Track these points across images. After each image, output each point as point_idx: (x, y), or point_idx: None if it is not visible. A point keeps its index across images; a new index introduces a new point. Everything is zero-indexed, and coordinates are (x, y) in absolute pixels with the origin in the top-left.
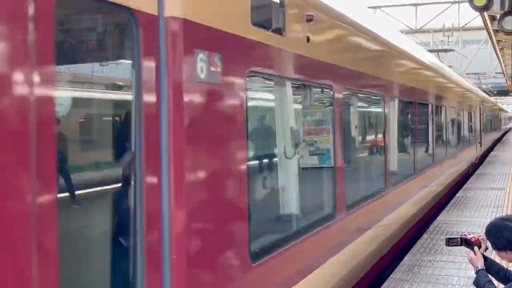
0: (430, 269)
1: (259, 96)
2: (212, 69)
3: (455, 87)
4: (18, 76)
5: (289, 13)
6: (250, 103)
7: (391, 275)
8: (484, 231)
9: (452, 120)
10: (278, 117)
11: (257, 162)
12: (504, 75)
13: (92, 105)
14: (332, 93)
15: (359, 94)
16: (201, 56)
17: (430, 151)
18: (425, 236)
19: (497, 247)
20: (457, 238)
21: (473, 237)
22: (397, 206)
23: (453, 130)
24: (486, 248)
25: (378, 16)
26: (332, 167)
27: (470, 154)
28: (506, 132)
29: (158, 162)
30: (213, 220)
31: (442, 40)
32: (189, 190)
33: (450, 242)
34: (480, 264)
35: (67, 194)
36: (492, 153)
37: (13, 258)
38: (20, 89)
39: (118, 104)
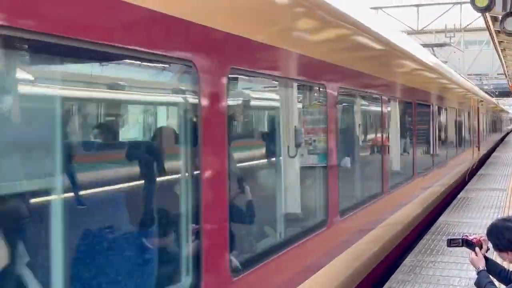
0: (431, 270)
1: None
2: None
3: (447, 84)
4: None
5: None
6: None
7: (392, 276)
8: (485, 232)
9: (443, 122)
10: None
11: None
12: (506, 76)
13: None
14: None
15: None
16: None
17: (410, 162)
18: (426, 237)
19: (499, 248)
20: (459, 239)
21: (475, 238)
22: (361, 236)
23: (444, 134)
24: (488, 249)
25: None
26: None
27: (466, 160)
28: (507, 134)
29: None
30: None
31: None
32: None
33: (451, 243)
34: (482, 265)
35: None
36: (494, 153)
37: None
38: None
39: None
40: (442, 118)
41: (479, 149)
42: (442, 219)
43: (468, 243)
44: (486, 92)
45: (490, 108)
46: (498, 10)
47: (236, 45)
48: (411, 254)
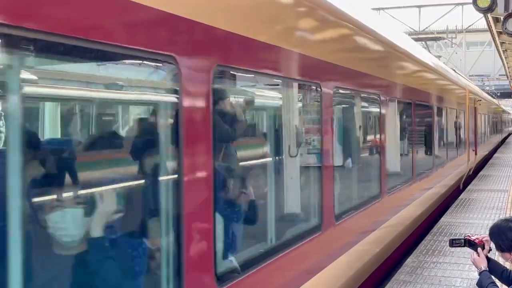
0: (433, 271)
1: None
2: None
3: (436, 79)
4: None
5: None
6: None
7: (394, 277)
8: (487, 232)
9: (429, 123)
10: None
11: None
12: (507, 77)
13: None
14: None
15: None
16: None
17: (387, 172)
18: (428, 237)
19: (501, 249)
20: (461, 239)
21: (477, 239)
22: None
23: (430, 138)
24: (490, 250)
25: None
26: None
27: (459, 167)
28: (509, 135)
29: None
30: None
31: (445, 42)
32: None
33: (453, 243)
34: (484, 266)
35: None
36: (495, 154)
37: None
38: None
39: None
40: (428, 118)
41: (476, 153)
42: (444, 219)
43: (471, 244)
44: (487, 93)
45: (489, 108)
46: (500, 11)
47: (222, 40)
48: (412, 255)
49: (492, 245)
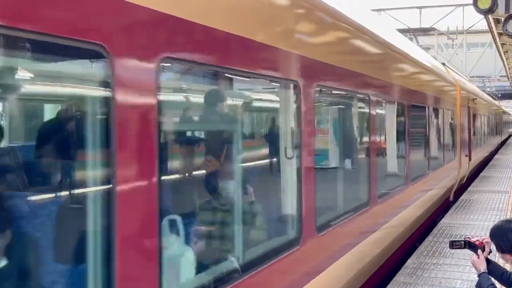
0: (433, 272)
1: None
2: None
3: (415, 72)
4: None
5: None
6: None
7: (394, 278)
8: (487, 234)
9: (405, 126)
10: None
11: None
12: (508, 78)
13: None
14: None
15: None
16: None
17: (355, 187)
18: (429, 239)
19: (502, 250)
20: (461, 241)
21: (477, 240)
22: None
23: (406, 145)
24: (490, 251)
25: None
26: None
27: (446, 178)
28: (509, 136)
29: None
30: None
31: (446, 43)
32: None
33: (454, 245)
34: (483, 267)
35: None
36: (496, 156)
37: None
38: None
39: None
40: (404, 120)
41: (470, 158)
42: (444, 221)
43: (471, 245)
44: (488, 94)
45: (487, 108)
46: (500, 12)
47: (170, 27)
48: (413, 256)
49: (492, 247)
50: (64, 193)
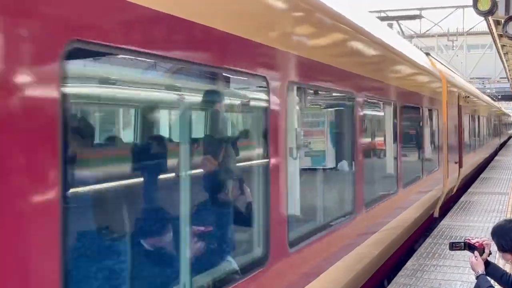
0: (433, 274)
1: None
2: None
3: (384, 60)
4: None
5: None
6: None
7: (394, 280)
8: (487, 235)
9: (371, 129)
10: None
11: None
12: (508, 80)
13: None
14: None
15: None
16: None
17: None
18: (428, 240)
19: (503, 249)
20: (461, 242)
21: (477, 242)
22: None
23: (368, 153)
24: (490, 253)
25: None
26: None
27: (426, 192)
28: (509, 138)
29: None
30: None
31: (446, 45)
32: None
33: (453, 246)
34: (481, 269)
35: None
36: (496, 157)
37: None
38: None
39: None
40: (361, 121)
41: (461, 165)
42: (444, 222)
43: (471, 247)
44: (488, 95)
45: (483, 107)
46: (500, 13)
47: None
48: (412, 258)
49: (492, 248)
50: None
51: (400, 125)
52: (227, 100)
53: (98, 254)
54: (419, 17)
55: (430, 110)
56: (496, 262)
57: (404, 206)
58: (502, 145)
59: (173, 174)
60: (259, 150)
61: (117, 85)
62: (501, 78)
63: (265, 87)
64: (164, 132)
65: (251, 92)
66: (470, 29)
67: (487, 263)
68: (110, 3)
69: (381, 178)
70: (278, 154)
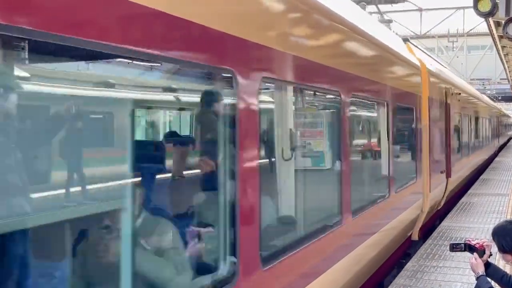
0: (433, 275)
1: None
2: None
3: (347, 43)
4: None
5: None
6: None
7: (394, 281)
8: (487, 237)
9: (329, 131)
10: None
11: None
12: (508, 81)
13: None
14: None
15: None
16: None
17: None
18: (428, 241)
19: (503, 250)
20: (461, 243)
21: (478, 243)
22: None
23: (328, 164)
24: (490, 254)
25: None
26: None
27: (401, 211)
28: (509, 140)
29: None
30: None
31: (447, 46)
32: None
33: (454, 247)
34: (481, 270)
35: None
36: (496, 158)
37: None
38: None
39: None
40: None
41: (449, 175)
42: (444, 223)
43: (471, 248)
44: (488, 97)
45: (478, 107)
46: (501, 15)
47: None
48: (412, 259)
49: (493, 249)
50: None
51: (349, 127)
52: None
53: None
54: (398, 0)
55: (402, 108)
56: (496, 263)
57: (357, 240)
58: (502, 147)
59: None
60: (221, 154)
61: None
62: (501, 79)
63: (229, 82)
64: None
65: (213, 87)
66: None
67: (487, 264)
68: None
69: (326, 206)
70: (247, 158)
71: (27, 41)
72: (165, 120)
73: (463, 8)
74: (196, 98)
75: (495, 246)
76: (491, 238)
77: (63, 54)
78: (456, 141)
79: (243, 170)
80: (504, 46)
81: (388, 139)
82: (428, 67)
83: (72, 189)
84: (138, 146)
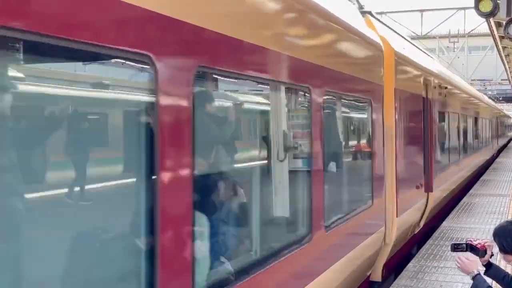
0: (434, 275)
1: None
2: None
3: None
4: None
5: None
6: None
7: (395, 281)
8: (489, 237)
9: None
10: None
11: None
12: (509, 82)
13: None
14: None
15: None
16: None
17: None
18: (429, 242)
19: (505, 250)
20: (463, 244)
21: (479, 243)
22: None
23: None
24: (492, 255)
25: None
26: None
27: (352, 246)
28: (509, 141)
29: None
30: None
31: (447, 47)
32: None
33: (456, 248)
34: (476, 269)
35: None
36: (497, 159)
37: None
38: None
39: None
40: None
41: (431, 189)
42: (445, 224)
43: (473, 248)
44: (489, 97)
45: (471, 104)
46: (502, 15)
47: None
48: (414, 259)
49: (494, 250)
50: None
51: (260, 126)
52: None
53: None
54: None
55: (349, 100)
56: (497, 263)
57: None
58: (501, 150)
59: None
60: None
61: None
62: (502, 80)
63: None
64: None
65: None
66: (472, 30)
67: (489, 265)
68: None
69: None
70: (165, 166)
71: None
72: None
73: (464, 8)
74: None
75: (496, 246)
76: (492, 238)
77: None
78: (440, 146)
79: (163, 181)
80: (505, 47)
81: (312, 150)
82: (396, 49)
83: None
84: None
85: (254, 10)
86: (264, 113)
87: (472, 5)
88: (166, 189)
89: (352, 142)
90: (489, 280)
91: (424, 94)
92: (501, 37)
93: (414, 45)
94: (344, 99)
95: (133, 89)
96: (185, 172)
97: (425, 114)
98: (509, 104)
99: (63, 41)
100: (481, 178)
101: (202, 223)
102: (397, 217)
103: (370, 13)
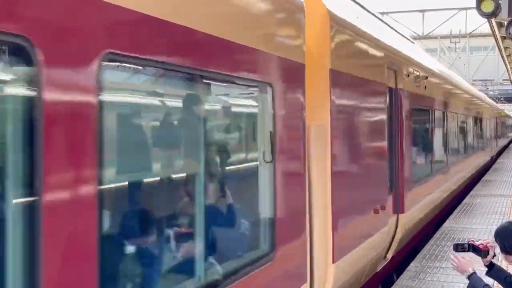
0: (436, 276)
1: None
2: None
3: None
4: None
5: None
6: None
7: (396, 282)
8: (490, 237)
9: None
10: None
11: None
12: (511, 82)
13: None
14: None
15: None
16: None
17: None
18: (431, 242)
19: (506, 251)
20: (465, 244)
21: (481, 244)
22: None
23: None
24: (494, 255)
25: None
26: None
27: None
28: (509, 142)
29: None
30: None
31: (449, 47)
32: None
33: (458, 248)
34: (471, 268)
35: None
36: (498, 160)
37: None
38: None
39: None
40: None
41: (401, 211)
42: (447, 224)
43: (475, 249)
44: (491, 98)
45: (461, 99)
46: (503, 15)
47: None
48: (415, 260)
49: (496, 250)
50: None
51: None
52: None
53: None
54: None
55: (235, 83)
56: (499, 264)
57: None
58: (501, 152)
59: None
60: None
61: None
62: (503, 80)
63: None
64: None
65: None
66: (473, 31)
67: (491, 265)
68: None
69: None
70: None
71: None
72: None
73: (466, 9)
74: None
75: (498, 247)
76: (494, 239)
77: None
78: (418, 152)
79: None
80: (507, 47)
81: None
82: (334, 12)
83: None
84: None
85: None
86: None
87: (474, 5)
88: (52, 213)
89: (215, 156)
90: (491, 280)
91: (390, 84)
92: (503, 38)
93: (385, 22)
94: (240, 83)
95: (9, 82)
96: (85, 189)
97: (393, 110)
98: (510, 104)
99: None
100: (483, 179)
101: None
102: (334, 262)
103: None
